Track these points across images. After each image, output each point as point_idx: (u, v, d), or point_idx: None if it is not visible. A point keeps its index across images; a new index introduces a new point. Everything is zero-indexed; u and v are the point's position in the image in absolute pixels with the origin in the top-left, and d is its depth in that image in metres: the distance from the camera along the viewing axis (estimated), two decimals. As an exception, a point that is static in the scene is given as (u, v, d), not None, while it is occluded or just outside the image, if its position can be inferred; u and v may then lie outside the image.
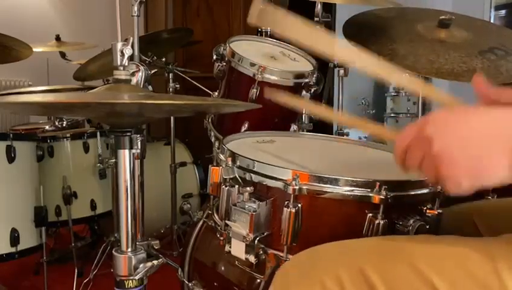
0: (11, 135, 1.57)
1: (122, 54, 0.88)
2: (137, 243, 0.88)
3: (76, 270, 1.84)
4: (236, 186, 0.88)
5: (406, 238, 0.73)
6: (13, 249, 1.54)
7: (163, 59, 2.19)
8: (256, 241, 0.84)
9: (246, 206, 0.83)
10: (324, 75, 1.50)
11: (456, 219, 0.93)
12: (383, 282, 0.61)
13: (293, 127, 1.39)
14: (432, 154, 0.54)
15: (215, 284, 1.15)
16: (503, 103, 0.64)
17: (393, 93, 3.69)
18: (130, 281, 0.86)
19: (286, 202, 0.81)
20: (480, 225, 0.90)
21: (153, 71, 1.82)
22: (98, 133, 1.94)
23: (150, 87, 1.27)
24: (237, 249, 0.86)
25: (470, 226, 0.91)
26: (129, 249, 0.86)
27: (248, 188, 0.85)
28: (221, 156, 0.95)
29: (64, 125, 2.12)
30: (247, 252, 0.85)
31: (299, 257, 0.73)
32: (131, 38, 0.91)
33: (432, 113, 0.57)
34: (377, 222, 0.78)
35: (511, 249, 0.59)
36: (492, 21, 3.58)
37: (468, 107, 0.58)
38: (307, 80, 1.36)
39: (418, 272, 0.59)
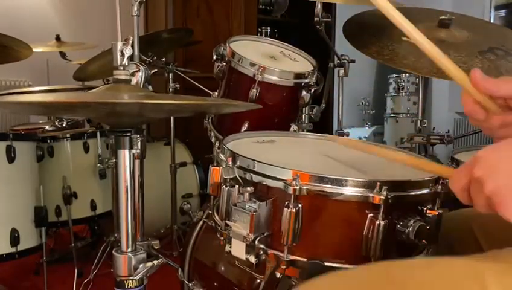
0: (11, 135, 1.57)
1: (122, 54, 0.88)
2: (137, 243, 0.88)
3: (76, 271, 1.84)
4: (237, 186, 0.88)
5: (398, 263, 0.72)
6: (13, 249, 1.54)
7: (163, 59, 2.19)
8: (256, 242, 0.83)
9: (246, 206, 0.83)
10: (324, 75, 1.50)
11: (453, 226, 0.93)
12: None
13: (293, 127, 1.39)
14: (486, 195, 0.54)
15: (215, 284, 1.15)
16: (501, 96, 0.64)
17: (393, 93, 3.69)
18: (130, 281, 0.86)
19: (286, 202, 0.81)
20: (477, 231, 0.90)
21: (153, 71, 1.81)
22: (98, 133, 1.94)
23: (150, 87, 1.27)
24: (237, 249, 0.86)
25: (466, 232, 0.92)
26: (129, 249, 0.86)
27: (248, 188, 0.85)
28: (222, 156, 0.95)
29: (64, 125, 2.12)
30: (247, 252, 0.85)
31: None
32: (131, 38, 0.91)
33: (480, 152, 0.57)
34: (377, 222, 0.78)
35: (498, 266, 0.59)
36: (492, 21, 3.58)
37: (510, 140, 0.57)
38: (307, 80, 1.35)
39: None
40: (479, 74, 0.65)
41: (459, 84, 0.67)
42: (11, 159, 1.55)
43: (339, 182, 0.80)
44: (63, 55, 2.82)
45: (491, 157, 0.56)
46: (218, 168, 0.93)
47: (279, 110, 1.38)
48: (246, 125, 1.33)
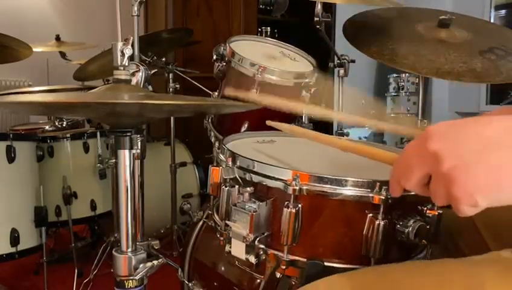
0: (11, 135, 1.57)
1: (123, 54, 0.88)
2: (137, 243, 0.88)
3: (76, 271, 1.85)
4: (237, 186, 0.88)
5: (395, 266, 0.71)
6: (13, 249, 1.54)
7: (163, 59, 2.19)
8: (256, 242, 0.83)
9: (246, 206, 0.83)
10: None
11: (456, 220, 0.93)
12: None
13: (293, 127, 1.39)
14: (442, 172, 0.49)
15: (215, 284, 1.15)
16: None
17: (393, 93, 3.69)
18: (130, 281, 0.86)
19: (286, 202, 0.81)
20: (480, 226, 0.90)
21: (153, 71, 1.81)
22: (98, 133, 1.94)
23: (150, 87, 1.27)
24: (237, 249, 0.86)
25: (469, 227, 0.91)
26: (129, 249, 0.86)
27: (248, 188, 0.85)
28: (221, 156, 0.95)
29: (64, 125, 2.12)
30: (247, 252, 0.85)
31: None
32: (132, 38, 0.91)
33: (431, 126, 0.51)
34: (377, 222, 0.78)
35: (498, 269, 0.59)
36: (492, 21, 3.58)
37: (470, 119, 0.52)
38: (306, 80, 1.35)
39: None
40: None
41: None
42: (11, 159, 1.55)
43: (339, 182, 0.80)
44: (63, 55, 2.82)
45: (448, 131, 0.50)
46: (218, 168, 0.93)
47: (279, 110, 1.38)
48: (246, 125, 1.33)
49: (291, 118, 1.42)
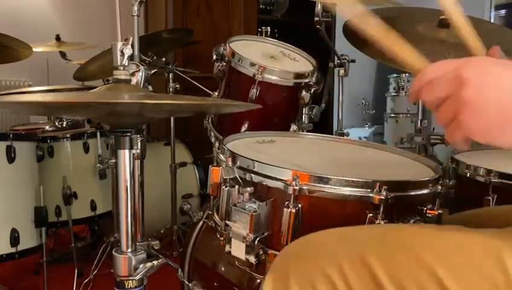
0: (11, 135, 1.57)
1: (122, 54, 0.88)
2: (137, 243, 0.88)
3: (76, 271, 1.84)
4: (237, 186, 0.88)
5: (409, 227, 0.72)
6: (13, 250, 1.53)
7: (163, 59, 2.18)
8: (256, 242, 0.83)
9: (246, 206, 0.83)
10: (324, 75, 1.50)
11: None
12: (385, 271, 0.60)
13: (293, 127, 1.39)
14: (461, 96, 0.51)
15: (215, 284, 1.15)
16: None
17: (393, 93, 3.69)
18: (130, 282, 0.86)
19: (286, 202, 0.81)
20: None
21: (153, 71, 1.82)
22: (98, 133, 1.94)
23: (150, 87, 1.27)
24: (237, 249, 0.86)
25: None
26: (129, 250, 0.86)
27: (248, 189, 0.85)
28: (221, 156, 0.95)
29: (64, 125, 2.12)
30: (247, 252, 0.85)
31: (296, 244, 0.72)
32: (131, 38, 0.91)
33: (474, 57, 0.55)
34: (377, 222, 0.78)
35: None
36: (492, 21, 3.58)
37: (507, 62, 0.54)
38: (306, 80, 1.35)
39: (422, 263, 0.58)
40: (498, 51, 0.63)
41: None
42: (11, 159, 1.55)
43: (339, 182, 0.80)
44: (63, 55, 2.82)
45: (485, 63, 0.54)
46: (218, 168, 0.93)
47: (279, 110, 1.38)
48: (246, 125, 1.33)
49: (291, 118, 1.42)
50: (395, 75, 3.68)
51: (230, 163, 0.90)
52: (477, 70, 0.52)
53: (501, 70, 0.53)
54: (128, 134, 0.85)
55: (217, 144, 1.05)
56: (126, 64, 0.90)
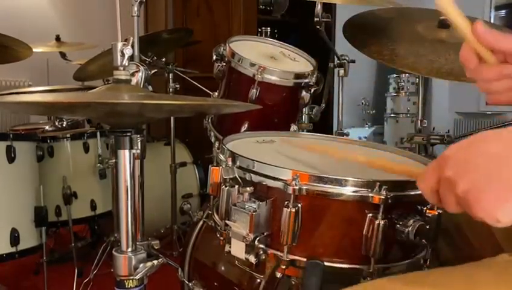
0: (11, 135, 1.57)
1: (123, 54, 0.88)
2: (137, 243, 0.88)
3: (76, 270, 1.85)
4: (236, 186, 0.88)
5: (393, 279, 0.72)
6: (13, 249, 1.53)
7: (163, 59, 2.19)
8: (256, 241, 0.84)
9: (246, 206, 0.83)
10: (324, 75, 1.50)
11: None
12: None
13: (293, 127, 1.39)
14: (459, 196, 0.52)
15: (215, 284, 1.15)
16: (500, 49, 0.64)
17: (393, 94, 3.69)
18: (130, 281, 0.86)
19: (286, 202, 0.81)
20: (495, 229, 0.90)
21: (153, 71, 1.82)
22: (98, 133, 1.94)
23: (150, 88, 1.27)
24: (237, 249, 0.86)
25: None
26: (129, 249, 0.86)
27: (248, 188, 0.85)
28: (221, 156, 0.95)
29: (64, 125, 2.12)
30: (247, 252, 0.85)
31: None
32: (132, 38, 0.91)
33: (447, 151, 0.55)
34: (377, 222, 0.78)
35: (491, 275, 0.59)
36: (492, 21, 3.58)
37: (478, 136, 0.54)
38: (306, 80, 1.35)
39: None
40: (481, 25, 0.63)
41: (462, 32, 0.65)
42: (11, 159, 1.55)
43: (339, 182, 0.80)
44: (63, 55, 2.82)
45: (459, 155, 0.53)
46: (218, 168, 0.93)
47: (279, 110, 1.38)
48: (246, 125, 1.33)
49: (291, 118, 1.42)
50: (395, 75, 3.68)
51: (230, 163, 0.90)
52: (454, 164, 0.53)
53: (476, 151, 0.52)
54: (128, 134, 0.85)
55: (217, 144, 1.05)
56: (126, 64, 0.90)
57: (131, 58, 0.91)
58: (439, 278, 0.64)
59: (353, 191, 0.79)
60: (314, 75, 1.38)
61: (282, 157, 1.03)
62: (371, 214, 0.79)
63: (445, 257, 0.98)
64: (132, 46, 0.90)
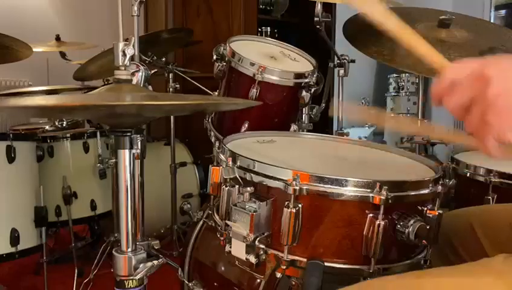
0: (11, 135, 1.57)
1: (124, 54, 0.88)
2: (137, 243, 0.88)
3: (76, 270, 1.84)
4: (237, 186, 0.88)
5: (390, 278, 0.72)
6: (13, 249, 1.54)
7: (163, 59, 2.18)
8: (256, 242, 0.83)
9: (246, 206, 0.83)
10: (324, 75, 1.50)
11: (454, 224, 0.93)
12: None
13: (293, 127, 1.39)
14: (486, 96, 0.50)
15: (215, 284, 1.15)
16: None
17: (393, 93, 3.69)
18: (130, 281, 0.86)
19: (286, 202, 0.81)
20: (477, 230, 0.90)
21: (153, 71, 1.82)
22: (98, 133, 1.94)
23: (150, 88, 1.27)
24: (237, 249, 0.86)
25: (467, 231, 0.92)
26: (129, 249, 0.86)
27: (248, 188, 0.85)
28: (222, 156, 0.95)
29: (64, 125, 2.11)
30: (247, 252, 0.85)
31: None
32: (133, 38, 0.91)
33: (493, 57, 0.53)
34: (377, 222, 0.78)
35: (488, 275, 0.59)
36: (492, 21, 3.58)
37: None
38: (306, 80, 1.35)
39: None
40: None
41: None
42: (11, 159, 1.55)
43: (339, 182, 0.80)
44: (63, 55, 2.82)
45: (503, 60, 0.52)
46: (218, 168, 0.93)
47: (279, 110, 1.38)
48: (246, 125, 1.33)
49: (291, 118, 1.42)
50: (395, 75, 3.68)
51: (230, 163, 0.90)
52: (499, 67, 0.51)
53: None
54: (128, 134, 0.85)
55: (217, 144, 1.05)
56: (128, 64, 0.90)
57: (131, 58, 0.91)
58: (438, 276, 0.64)
59: (353, 192, 0.79)
60: (314, 75, 1.38)
61: (282, 157, 1.03)
62: (371, 215, 0.79)
63: None
64: (132, 46, 0.90)
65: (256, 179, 0.86)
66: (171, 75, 2.19)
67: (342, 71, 1.70)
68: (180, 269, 1.23)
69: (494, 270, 0.61)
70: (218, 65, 1.40)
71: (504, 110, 0.49)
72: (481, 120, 0.51)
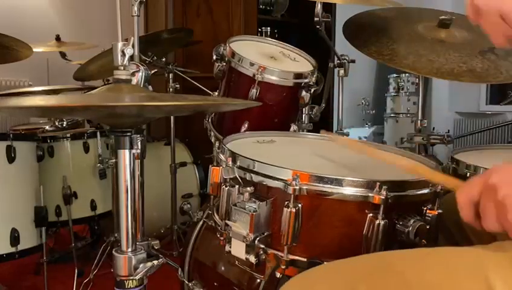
0: (11, 135, 1.57)
1: (123, 54, 0.88)
2: (137, 243, 0.88)
3: (76, 270, 1.84)
4: (237, 186, 0.88)
5: (398, 253, 0.72)
6: (13, 249, 1.53)
7: (163, 59, 2.19)
8: (256, 242, 0.84)
9: (246, 206, 0.83)
10: (324, 75, 1.50)
11: (448, 208, 0.92)
12: None
13: (293, 127, 1.39)
14: (497, 200, 0.56)
15: (215, 284, 1.15)
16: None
17: (393, 93, 3.69)
18: (130, 281, 0.86)
19: (286, 202, 0.81)
20: (468, 230, 0.90)
21: (153, 71, 1.82)
22: (98, 133, 1.94)
23: (150, 88, 1.27)
24: (237, 249, 0.86)
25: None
26: (129, 249, 0.86)
27: (248, 188, 0.85)
28: (222, 156, 0.95)
29: (64, 125, 2.11)
30: (247, 252, 0.85)
31: (295, 280, 0.73)
32: (132, 38, 0.91)
33: (495, 165, 0.60)
34: (377, 222, 0.78)
35: (500, 258, 0.59)
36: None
37: None
38: (306, 80, 1.36)
39: (409, 287, 0.60)
40: None
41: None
42: (11, 159, 1.55)
43: (339, 182, 0.80)
44: (63, 55, 2.81)
45: (505, 167, 0.59)
46: (218, 168, 0.93)
47: (279, 110, 1.38)
48: (246, 125, 1.33)
49: (291, 118, 1.42)
50: (395, 75, 3.68)
51: (230, 163, 0.90)
52: (501, 173, 0.58)
53: None
54: (128, 134, 0.85)
55: (217, 144, 1.05)
56: (127, 64, 0.90)
57: (131, 58, 0.91)
58: (447, 255, 0.64)
59: (353, 191, 0.79)
60: (314, 75, 1.38)
61: (282, 157, 1.03)
62: (371, 214, 0.79)
63: None
64: (132, 46, 0.90)
65: (256, 179, 0.86)
66: (171, 75, 2.19)
67: (342, 71, 1.70)
68: (180, 269, 1.23)
69: (507, 254, 0.61)
70: (218, 65, 1.40)
71: None
72: (500, 220, 0.57)
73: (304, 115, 1.47)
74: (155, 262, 0.87)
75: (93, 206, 1.92)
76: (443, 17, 1.30)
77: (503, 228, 0.57)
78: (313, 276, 0.71)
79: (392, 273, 0.63)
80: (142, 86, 1.05)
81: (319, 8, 1.49)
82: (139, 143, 0.87)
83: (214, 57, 1.40)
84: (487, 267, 0.57)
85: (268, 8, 3.62)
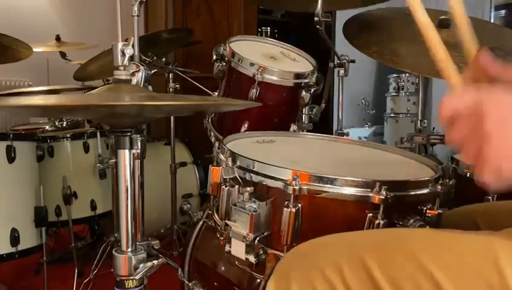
0: (11, 135, 1.57)
1: (123, 54, 0.88)
2: (137, 243, 0.88)
3: (76, 270, 1.84)
4: (237, 186, 0.88)
5: (407, 230, 0.73)
6: (13, 249, 1.53)
7: (163, 59, 2.18)
8: (256, 241, 0.84)
9: (246, 206, 0.84)
10: (324, 75, 1.50)
11: (457, 221, 0.92)
12: (383, 273, 0.61)
13: (293, 127, 1.39)
14: (482, 131, 0.52)
15: (215, 284, 1.15)
16: (504, 81, 0.63)
17: (393, 93, 3.69)
18: (130, 281, 0.86)
19: (286, 202, 0.81)
20: (482, 227, 0.90)
21: (153, 71, 1.81)
22: (98, 133, 1.94)
23: (150, 88, 1.27)
24: (237, 249, 0.86)
25: (472, 228, 0.91)
26: (129, 249, 0.86)
27: (248, 188, 0.85)
28: (221, 156, 0.95)
29: (64, 125, 2.12)
30: (247, 252, 0.85)
31: (300, 247, 0.73)
32: (132, 38, 0.91)
33: (494, 88, 0.54)
34: (377, 222, 0.78)
35: (511, 243, 0.59)
36: (492, 21, 3.58)
37: None
38: (306, 80, 1.36)
39: (418, 264, 0.59)
40: (485, 56, 0.65)
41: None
42: (11, 159, 1.55)
43: (339, 182, 0.80)
44: (63, 55, 2.82)
45: (502, 97, 0.53)
46: (218, 168, 0.93)
47: (279, 110, 1.38)
48: (246, 125, 1.33)
49: (291, 118, 1.42)
50: (395, 75, 3.68)
51: (230, 163, 0.90)
52: (497, 103, 0.52)
53: None
54: (128, 134, 0.85)
55: (217, 144, 1.05)
56: (127, 64, 0.90)
57: (131, 58, 0.91)
58: (457, 236, 0.64)
59: (353, 191, 0.80)
60: (314, 75, 1.38)
61: (282, 157, 1.03)
62: (371, 214, 0.79)
63: None
64: (132, 46, 0.90)
65: (256, 179, 0.86)
66: (171, 75, 2.19)
67: (342, 71, 1.70)
68: (180, 269, 1.23)
69: None
70: (218, 65, 1.40)
71: (499, 142, 0.51)
72: (477, 153, 0.53)
73: (303, 115, 1.47)
74: (155, 262, 0.87)
75: (93, 206, 1.91)
76: (443, 17, 1.30)
77: (473, 159, 0.54)
78: (322, 242, 0.71)
79: (399, 249, 0.63)
80: (142, 86, 1.05)
81: (319, 8, 1.49)
82: (139, 143, 0.87)
83: (214, 57, 1.40)
84: (495, 247, 0.57)
85: (268, 8, 3.63)
